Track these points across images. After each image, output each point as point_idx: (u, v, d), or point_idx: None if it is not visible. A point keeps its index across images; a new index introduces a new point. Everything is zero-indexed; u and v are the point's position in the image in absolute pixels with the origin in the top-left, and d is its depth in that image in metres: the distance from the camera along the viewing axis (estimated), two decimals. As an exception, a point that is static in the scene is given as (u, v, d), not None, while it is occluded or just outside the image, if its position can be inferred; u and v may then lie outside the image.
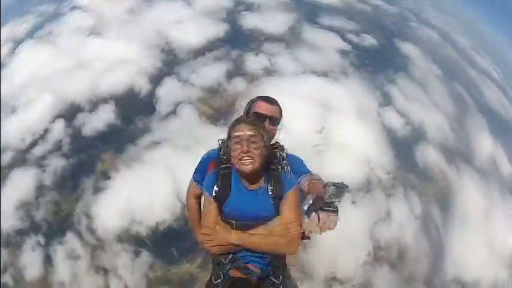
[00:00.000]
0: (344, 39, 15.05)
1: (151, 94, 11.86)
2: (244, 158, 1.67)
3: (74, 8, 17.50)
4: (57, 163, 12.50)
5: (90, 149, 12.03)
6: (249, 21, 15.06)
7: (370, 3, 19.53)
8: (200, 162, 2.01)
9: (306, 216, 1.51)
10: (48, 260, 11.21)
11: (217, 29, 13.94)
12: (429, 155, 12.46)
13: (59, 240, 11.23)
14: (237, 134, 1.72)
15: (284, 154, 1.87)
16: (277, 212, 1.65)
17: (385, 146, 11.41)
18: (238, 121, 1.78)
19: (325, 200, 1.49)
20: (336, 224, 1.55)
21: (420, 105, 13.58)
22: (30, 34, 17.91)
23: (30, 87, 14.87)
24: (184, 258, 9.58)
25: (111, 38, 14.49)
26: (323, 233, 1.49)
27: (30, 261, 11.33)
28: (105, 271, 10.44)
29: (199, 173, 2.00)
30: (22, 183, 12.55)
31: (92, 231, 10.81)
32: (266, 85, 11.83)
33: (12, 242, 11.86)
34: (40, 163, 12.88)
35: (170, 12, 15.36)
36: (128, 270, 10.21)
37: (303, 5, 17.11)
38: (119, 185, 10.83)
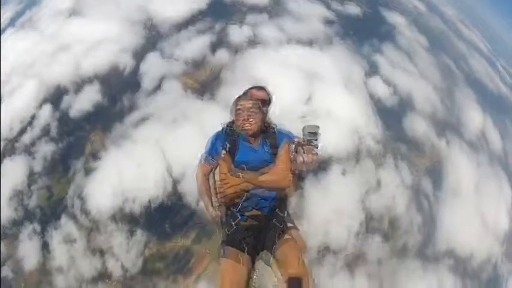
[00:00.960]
0: (328, 8, 14.62)
1: (136, 71, 11.52)
2: (246, 124, 2.12)
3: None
4: (46, 148, 12.27)
5: (78, 130, 11.78)
6: (231, -8, 14.45)
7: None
8: (208, 142, 2.30)
9: (293, 157, 1.86)
10: (45, 247, 11.20)
11: (200, 2, 13.43)
12: (418, 125, 12.29)
13: (54, 226, 11.16)
14: (239, 107, 2.20)
15: (275, 127, 2.35)
16: (273, 160, 2.09)
17: (373, 115, 11.20)
18: (239, 98, 2.27)
19: (304, 142, 1.77)
20: (317, 154, 1.76)
21: (407, 75, 13.27)
22: (12, 22, 17.35)
23: (14, 75, 14.44)
24: (179, 234, 9.50)
25: (91, 17, 13.97)
26: (310, 164, 1.76)
27: (28, 250, 11.29)
28: (102, 252, 10.42)
29: (209, 151, 2.27)
30: (13, 172, 12.36)
31: (86, 213, 10.70)
32: (251, 56, 11.49)
33: (9, 233, 11.84)
34: (29, 150, 12.66)
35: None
36: (123, 249, 10.17)
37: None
38: (109, 164, 10.63)
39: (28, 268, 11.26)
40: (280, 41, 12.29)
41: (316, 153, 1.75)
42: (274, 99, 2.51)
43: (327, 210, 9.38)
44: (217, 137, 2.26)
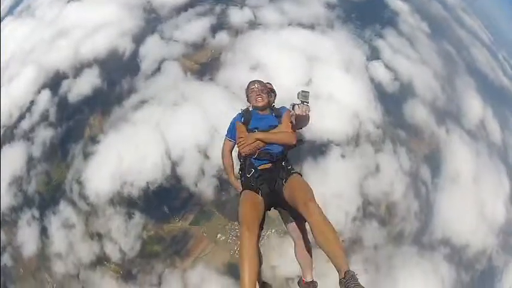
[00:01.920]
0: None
1: (135, 54, 11.42)
2: (258, 98, 2.71)
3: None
4: (45, 133, 12.21)
5: (77, 114, 11.72)
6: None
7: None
8: (230, 123, 2.80)
9: (292, 113, 2.41)
10: (44, 232, 11.18)
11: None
12: (418, 112, 12.20)
13: (52, 211, 11.14)
14: (252, 87, 2.78)
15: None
16: (279, 123, 2.64)
17: (373, 100, 11.15)
18: (252, 82, 2.84)
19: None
20: (309, 110, 2.35)
21: (409, 62, 13.18)
22: (11, 10, 17.24)
23: (13, 62, 14.38)
24: (177, 216, 9.50)
25: (90, 1, 13.81)
26: (304, 117, 2.35)
27: (27, 236, 11.28)
28: (100, 236, 10.41)
29: (230, 131, 2.77)
30: (13, 158, 12.34)
31: (85, 197, 10.68)
32: (251, 38, 11.45)
33: (8, 220, 11.81)
34: (28, 136, 12.61)
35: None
36: (121, 233, 10.17)
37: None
38: (107, 148, 10.61)
39: (27, 254, 11.26)
40: (281, 23, 12.21)
41: (308, 110, 2.35)
42: (275, 86, 2.97)
43: (325, 194, 9.35)
44: (236, 118, 2.77)
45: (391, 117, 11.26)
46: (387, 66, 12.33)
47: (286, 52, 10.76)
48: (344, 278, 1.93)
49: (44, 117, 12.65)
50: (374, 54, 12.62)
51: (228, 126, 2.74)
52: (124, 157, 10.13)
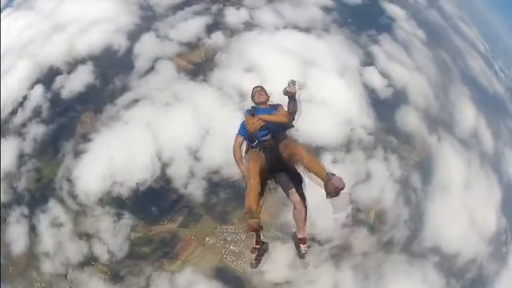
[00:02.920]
0: (328, -5, 14.23)
1: (130, 51, 11.30)
2: (260, 97, 3.46)
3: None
4: (37, 130, 12.05)
5: (70, 111, 11.58)
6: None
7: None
8: (240, 124, 3.34)
9: (285, 90, 3.01)
10: (33, 230, 11.02)
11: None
12: (411, 119, 12.18)
13: (42, 209, 10.98)
14: (255, 89, 3.58)
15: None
16: (277, 112, 3.35)
17: (366, 106, 11.13)
18: (255, 87, 3.64)
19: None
20: (295, 90, 2.96)
21: (403, 68, 13.17)
22: (9, 2, 17.08)
23: (9, 56, 14.21)
24: (166, 218, 9.38)
25: (88, -3, 13.66)
26: (293, 92, 2.94)
27: (16, 234, 11.11)
28: (88, 236, 10.27)
29: (241, 129, 3.32)
30: (4, 154, 12.16)
31: (74, 196, 10.54)
32: (246, 39, 11.38)
33: None
34: (20, 131, 12.45)
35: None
36: (110, 233, 10.03)
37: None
38: (99, 146, 10.49)
39: (16, 252, 11.09)
40: (277, 25, 12.16)
41: (296, 89, 2.93)
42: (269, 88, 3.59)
43: (315, 199, 9.25)
44: (244, 115, 3.37)
45: (383, 124, 11.23)
46: (381, 72, 12.30)
47: (281, 55, 10.70)
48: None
49: (37, 113, 12.50)
50: (368, 60, 12.59)
51: (239, 126, 3.31)
52: (115, 156, 10.03)
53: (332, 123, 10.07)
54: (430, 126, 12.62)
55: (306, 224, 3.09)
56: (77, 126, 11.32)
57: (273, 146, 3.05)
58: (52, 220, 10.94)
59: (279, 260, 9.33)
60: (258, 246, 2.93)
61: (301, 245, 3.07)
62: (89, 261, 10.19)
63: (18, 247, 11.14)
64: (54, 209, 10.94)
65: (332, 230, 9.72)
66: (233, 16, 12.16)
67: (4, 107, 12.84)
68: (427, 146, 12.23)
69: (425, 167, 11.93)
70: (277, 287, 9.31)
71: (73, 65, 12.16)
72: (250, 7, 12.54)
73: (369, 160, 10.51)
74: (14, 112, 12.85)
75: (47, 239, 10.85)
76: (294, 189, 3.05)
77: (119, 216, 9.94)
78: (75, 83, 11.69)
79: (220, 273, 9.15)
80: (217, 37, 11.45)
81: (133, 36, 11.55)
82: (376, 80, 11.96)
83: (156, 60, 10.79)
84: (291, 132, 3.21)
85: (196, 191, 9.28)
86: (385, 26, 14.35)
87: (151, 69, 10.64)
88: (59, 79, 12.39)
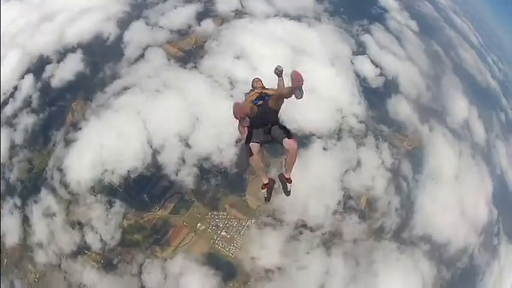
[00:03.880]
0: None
1: (119, 39, 11.17)
2: (258, 83, 4.17)
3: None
4: (27, 120, 11.94)
5: (60, 100, 11.47)
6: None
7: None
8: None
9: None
10: (26, 221, 10.98)
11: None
12: (402, 108, 12.20)
13: (34, 199, 10.94)
14: (254, 80, 4.25)
15: None
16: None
17: (357, 94, 11.12)
18: (255, 78, 4.26)
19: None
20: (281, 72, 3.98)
21: (395, 58, 13.17)
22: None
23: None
24: (157, 205, 9.39)
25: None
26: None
27: (10, 226, 11.07)
28: (81, 225, 10.26)
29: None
30: None
31: (66, 185, 10.50)
32: (237, 27, 11.30)
33: None
34: (11, 122, 12.35)
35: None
36: (102, 222, 10.02)
37: None
38: (89, 135, 10.43)
39: (10, 244, 11.08)
40: (268, 14, 12.06)
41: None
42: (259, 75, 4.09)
43: (306, 186, 9.33)
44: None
45: (374, 113, 11.27)
46: (373, 62, 12.29)
47: (272, 43, 10.63)
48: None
49: (27, 103, 12.37)
50: (360, 49, 12.55)
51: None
52: (105, 144, 9.97)
53: (323, 111, 10.08)
54: (421, 115, 12.66)
55: (293, 167, 3.67)
56: (67, 115, 11.23)
57: (264, 104, 3.73)
58: (44, 210, 10.91)
59: (271, 246, 9.43)
60: (267, 182, 3.71)
61: (287, 184, 3.75)
62: (81, 250, 10.19)
63: (12, 238, 11.10)
64: (47, 199, 10.90)
65: (323, 216, 9.77)
66: (224, 4, 12.07)
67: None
68: (419, 135, 12.29)
69: (416, 156, 12.00)
70: (268, 273, 9.37)
71: (63, 54, 12.02)
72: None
73: (359, 148, 10.56)
74: (5, 103, 12.72)
75: (40, 230, 10.84)
76: (286, 138, 3.57)
77: (110, 204, 9.93)
78: (65, 71, 11.56)
79: (212, 259, 9.21)
80: (208, 25, 11.35)
81: (123, 24, 11.41)
82: (367, 69, 11.98)
83: (146, 47, 10.69)
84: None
85: (187, 177, 9.29)
86: (378, 16, 14.38)
87: (141, 56, 10.55)
88: (48, 68, 12.25)
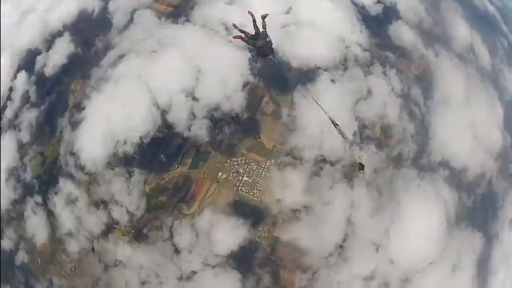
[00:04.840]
0: None
1: (105, 10, 10.92)
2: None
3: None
4: (30, 115, 11.89)
5: (58, 86, 11.37)
6: None
7: None
8: None
9: None
10: (51, 215, 11.11)
11: None
12: (405, 34, 11.79)
13: (54, 191, 11.01)
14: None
15: None
16: None
17: (357, 23, 10.80)
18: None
19: None
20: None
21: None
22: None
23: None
24: (175, 163, 9.44)
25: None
26: None
27: (36, 225, 11.21)
28: (105, 203, 10.36)
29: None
30: (4, 151, 12.07)
31: (81, 167, 10.55)
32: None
33: (14, 216, 11.65)
34: (14, 124, 12.32)
35: None
36: (125, 193, 10.11)
37: None
38: (94, 111, 10.39)
39: (40, 242, 11.26)
40: None
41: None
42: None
43: (320, 121, 9.26)
44: None
45: (377, 40, 10.98)
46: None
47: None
48: None
49: (25, 99, 12.30)
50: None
51: None
52: (112, 116, 9.95)
53: (325, 43, 9.86)
54: (425, 41, 12.34)
55: None
56: (68, 99, 11.16)
57: None
58: (66, 198, 11.02)
59: (294, 185, 9.49)
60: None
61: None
62: (111, 227, 10.34)
63: (41, 236, 11.27)
64: (66, 186, 10.99)
65: (341, 149, 9.72)
66: None
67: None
68: (425, 59, 12.01)
69: (425, 81, 11.70)
70: (296, 213, 9.49)
71: (50, 41, 11.83)
72: None
73: (367, 76, 10.35)
74: (4, 107, 12.67)
75: (66, 219, 10.97)
76: None
77: (129, 173, 10.00)
78: (57, 57, 11.40)
79: (239, 206, 9.32)
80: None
81: (106, -6, 11.13)
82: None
83: (133, 11, 10.44)
84: None
85: (200, 131, 9.27)
86: None
87: (130, 22, 10.31)
88: (39, 59, 12.09)
